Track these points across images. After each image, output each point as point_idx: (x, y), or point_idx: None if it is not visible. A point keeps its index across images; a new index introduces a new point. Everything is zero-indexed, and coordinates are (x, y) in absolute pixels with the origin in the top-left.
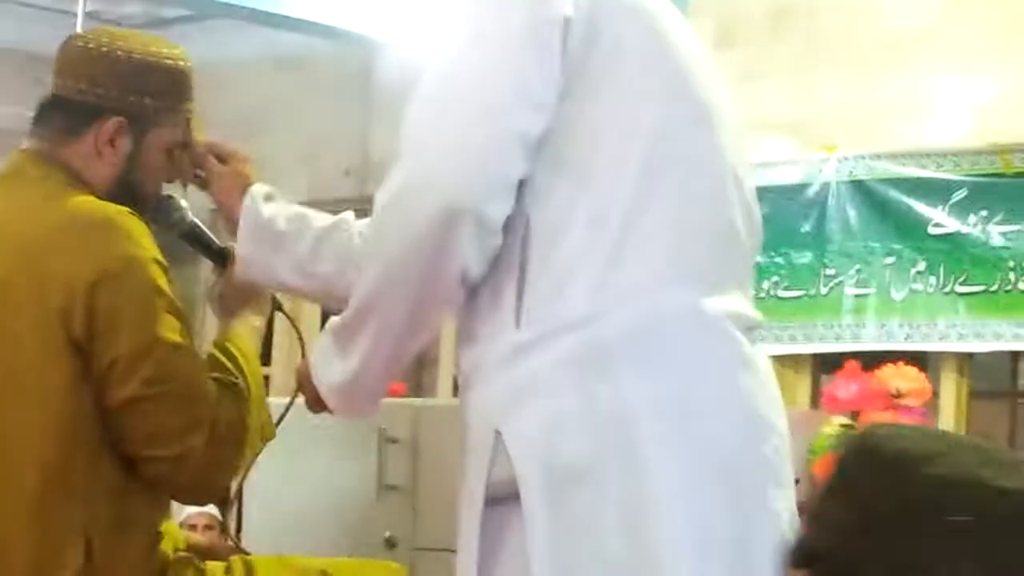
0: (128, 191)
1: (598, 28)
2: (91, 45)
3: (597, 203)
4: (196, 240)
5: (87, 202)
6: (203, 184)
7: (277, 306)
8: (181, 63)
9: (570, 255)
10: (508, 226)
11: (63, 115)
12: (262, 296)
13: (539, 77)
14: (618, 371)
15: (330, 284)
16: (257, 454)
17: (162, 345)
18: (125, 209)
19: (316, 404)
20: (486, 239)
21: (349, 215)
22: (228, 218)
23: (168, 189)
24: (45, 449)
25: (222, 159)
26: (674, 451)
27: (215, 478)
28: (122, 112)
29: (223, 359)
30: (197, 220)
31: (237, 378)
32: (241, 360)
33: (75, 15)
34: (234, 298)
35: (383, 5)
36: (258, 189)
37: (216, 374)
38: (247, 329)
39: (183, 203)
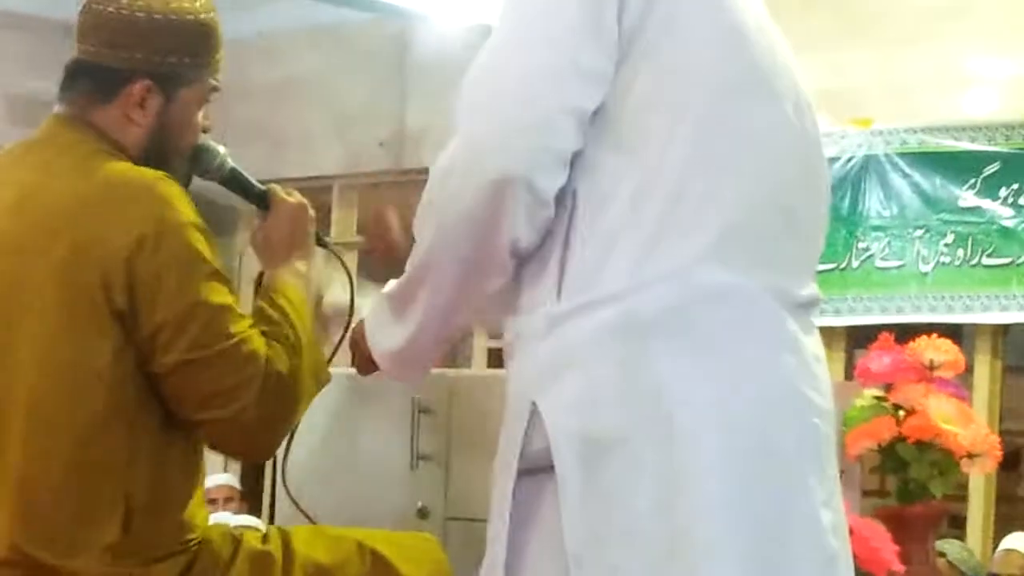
0: (162, 151)
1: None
2: (111, 8)
3: (643, 177)
4: (237, 185)
5: (124, 168)
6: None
7: (321, 243)
8: (203, 15)
9: (614, 228)
10: (557, 198)
11: (90, 80)
12: (306, 239)
13: (595, 52)
14: (656, 345)
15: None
16: (312, 397)
17: (207, 307)
18: (162, 174)
19: (368, 366)
20: (537, 210)
21: None
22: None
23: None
24: (83, 419)
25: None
26: (709, 426)
27: (269, 434)
28: (149, 74)
29: (271, 311)
30: (236, 165)
31: (287, 330)
32: (289, 309)
33: None
34: (278, 243)
35: None
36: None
37: (264, 327)
38: (292, 276)
39: (221, 149)
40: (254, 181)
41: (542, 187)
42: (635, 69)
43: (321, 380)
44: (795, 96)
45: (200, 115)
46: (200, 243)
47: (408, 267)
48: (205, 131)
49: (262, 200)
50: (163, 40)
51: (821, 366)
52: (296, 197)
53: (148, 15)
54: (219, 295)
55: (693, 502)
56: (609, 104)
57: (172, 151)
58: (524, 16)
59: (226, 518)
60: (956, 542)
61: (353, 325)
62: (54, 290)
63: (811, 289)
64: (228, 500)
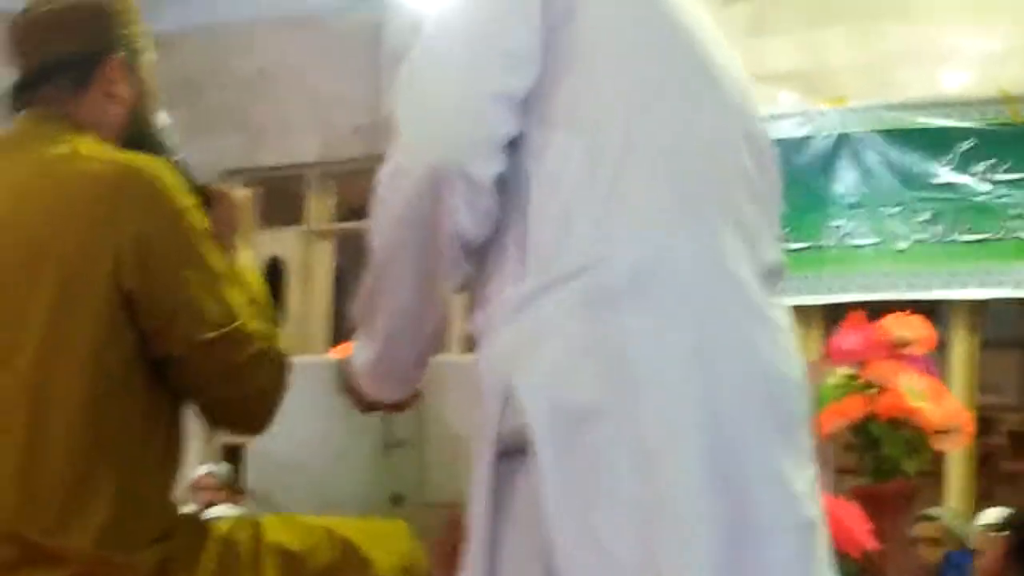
0: (142, 123)
1: None
2: (44, 8)
3: (591, 146)
4: (185, 180)
5: (116, 156)
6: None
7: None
8: None
9: (569, 202)
10: (509, 184)
11: (59, 75)
12: (246, 224)
13: (521, 34)
14: (624, 313)
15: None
16: None
17: (219, 288)
18: (152, 159)
19: (365, 402)
20: (476, 198)
21: None
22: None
23: None
24: (79, 401)
25: (212, 201)
26: (682, 394)
27: (272, 408)
28: (115, 49)
29: (249, 292)
30: (183, 157)
31: (270, 310)
32: (259, 291)
33: None
34: (221, 234)
35: None
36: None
37: (251, 309)
38: (246, 262)
39: (176, 139)
40: (194, 177)
41: (477, 175)
42: (571, 47)
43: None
44: (735, 76)
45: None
46: (203, 223)
47: (364, 282)
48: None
49: (203, 194)
50: (111, 16)
51: (787, 335)
52: (236, 191)
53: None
54: (225, 274)
55: (668, 470)
56: (548, 85)
57: (149, 122)
58: (449, 8)
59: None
60: (948, 508)
61: None
62: (58, 278)
63: (776, 255)
64: (218, 489)
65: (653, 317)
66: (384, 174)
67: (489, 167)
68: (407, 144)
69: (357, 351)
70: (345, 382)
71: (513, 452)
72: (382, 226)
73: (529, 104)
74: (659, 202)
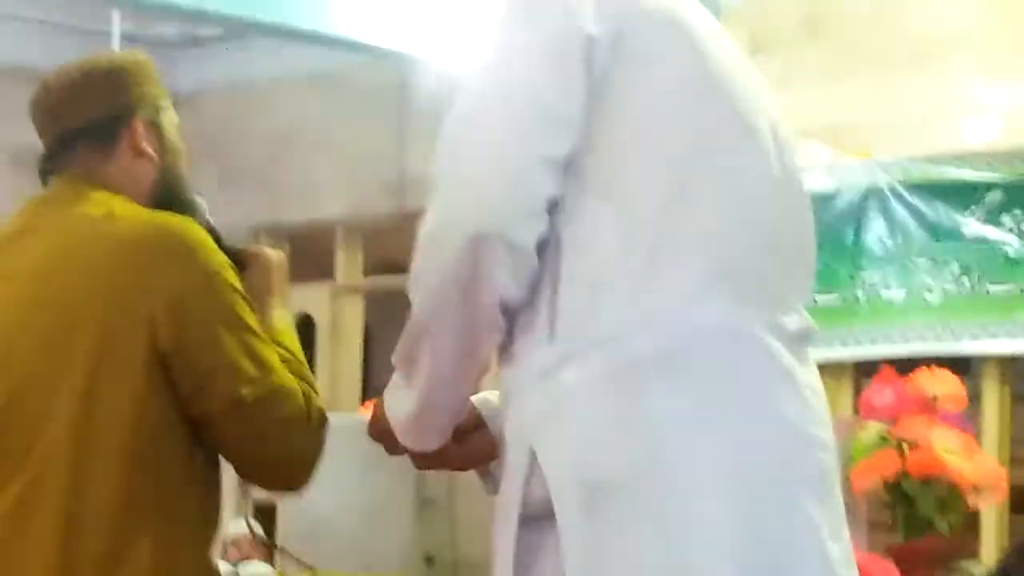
0: (172, 184)
1: (625, 40)
2: (65, 77)
3: (628, 220)
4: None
5: (150, 217)
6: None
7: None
8: (137, 56)
9: (601, 272)
10: (542, 246)
11: (86, 140)
12: (284, 287)
13: (563, 98)
14: (651, 387)
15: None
16: None
17: (254, 347)
18: (186, 219)
19: (395, 445)
20: (520, 262)
21: None
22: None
23: None
24: (116, 465)
25: (247, 262)
26: (709, 467)
27: (311, 467)
28: (138, 109)
29: (283, 352)
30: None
31: (302, 368)
32: (295, 349)
33: (109, 35)
34: (261, 294)
35: (416, 20)
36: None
37: (287, 367)
38: (283, 323)
39: (204, 204)
40: (224, 239)
41: (521, 240)
42: (609, 112)
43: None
44: (774, 134)
45: None
46: (237, 282)
47: (405, 332)
48: None
49: (236, 257)
50: (131, 78)
51: (819, 398)
52: (270, 252)
53: (103, 65)
54: (260, 333)
55: (697, 546)
56: (585, 150)
57: (179, 180)
58: (491, 68)
59: (260, 569)
60: (983, 564)
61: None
62: (94, 340)
63: (803, 321)
64: (252, 547)
65: (680, 393)
66: (425, 234)
67: (531, 232)
68: (448, 207)
69: (394, 402)
70: (376, 428)
71: (538, 516)
72: (422, 286)
73: (566, 167)
74: (694, 278)
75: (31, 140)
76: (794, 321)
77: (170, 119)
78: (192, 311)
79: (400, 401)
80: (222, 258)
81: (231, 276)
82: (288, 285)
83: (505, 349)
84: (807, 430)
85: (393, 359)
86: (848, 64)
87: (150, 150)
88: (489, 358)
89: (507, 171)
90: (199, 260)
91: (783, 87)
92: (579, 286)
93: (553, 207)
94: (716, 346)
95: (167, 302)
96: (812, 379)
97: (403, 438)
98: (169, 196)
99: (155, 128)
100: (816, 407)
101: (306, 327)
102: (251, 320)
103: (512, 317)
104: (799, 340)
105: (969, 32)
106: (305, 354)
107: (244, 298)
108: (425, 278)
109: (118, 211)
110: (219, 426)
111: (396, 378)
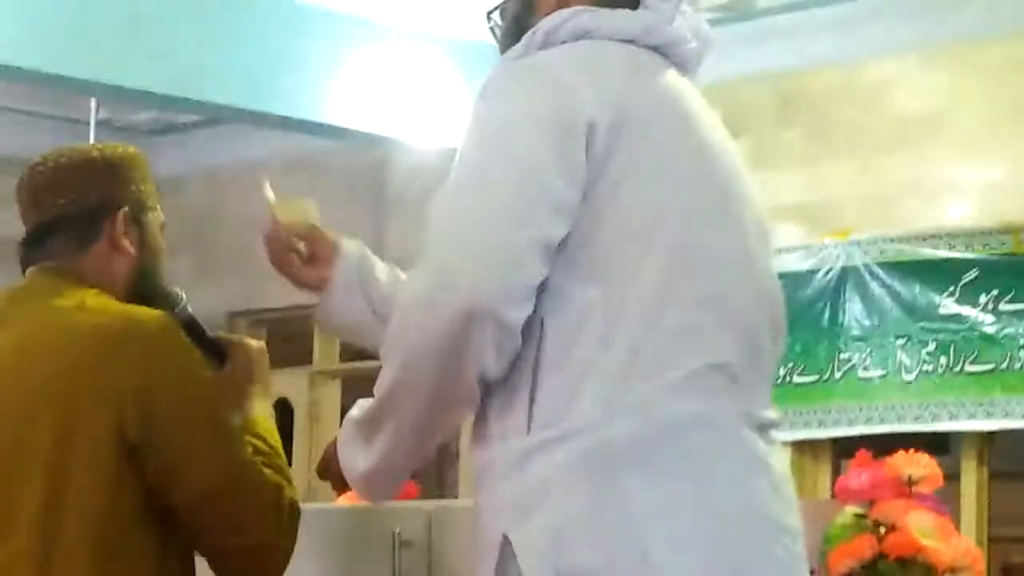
0: (148, 280)
1: (622, 127)
2: (52, 163)
3: (613, 309)
4: (194, 331)
5: (120, 309)
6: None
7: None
8: (131, 150)
9: (584, 360)
10: (524, 327)
11: (68, 229)
12: (265, 377)
13: (563, 183)
14: (627, 477)
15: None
16: None
17: (228, 436)
18: (157, 311)
19: (340, 484)
20: (505, 342)
21: None
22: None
23: None
24: (85, 557)
25: (228, 352)
26: (684, 557)
27: (284, 559)
28: (122, 203)
29: (258, 443)
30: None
31: (279, 460)
32: (272, 442)
33: (86, 124)
34: (242, 385)
35: (393, 105)
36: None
37: (260, 458)
38: (262, 415)
39: (183, 295)
40: (206, 330)
41: (510, 320)
42: (602, 199)
43: None
44: (757, 222)
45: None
46: (207, 374)
47: (376, 393)
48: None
49: (216, 349)
50: (120, 172)
51: (789, 486)
52: (252, 342)
53: (95, 156)
54: (232, 424)
55: None
56: (576, 233)
57: (154, 276)
58: (491, 144)
59: None
60: None
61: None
62: (61, 428)
63: (772, 410)
64: None
65: (656, 483)
66: (411, 298)
67: (523, 312)
68: (443, 275)
69: (350, 456)
70: (325, 467)
71: None
72: (401, 351)
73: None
74: (672, 375)
75: (12, 231)
76: (765, 410)
77: (155, 218)
78: (159, 403)
79: (356, 457)
80: (193, 352)
81: (200, 368)
82: (269, 375)
83: (480, 429)
84: (781, 521)
85: (353, 414)
86: (823, 145)
87: (128, 246)
88: (452, 432)
89: (508, 252)
90: (167, 353)
91: (759, 168)
92: (561, 374)
93: (538, 290)
94: (692, 435)
95: (134, 394)
96: (783, 467)
97: (354, 486)
98: (145, 289)
99: (137, 225)
100: (788, 496)
101: (284, 411)
102: (221, 412)
103: (486, 396)
104: (769, 428)
105: (944, 112)
106: (283, 439)
107: (216, 389)
108: (405, 350)
109: (89, 303)
110: (190, 517)
111: (354, 431)
